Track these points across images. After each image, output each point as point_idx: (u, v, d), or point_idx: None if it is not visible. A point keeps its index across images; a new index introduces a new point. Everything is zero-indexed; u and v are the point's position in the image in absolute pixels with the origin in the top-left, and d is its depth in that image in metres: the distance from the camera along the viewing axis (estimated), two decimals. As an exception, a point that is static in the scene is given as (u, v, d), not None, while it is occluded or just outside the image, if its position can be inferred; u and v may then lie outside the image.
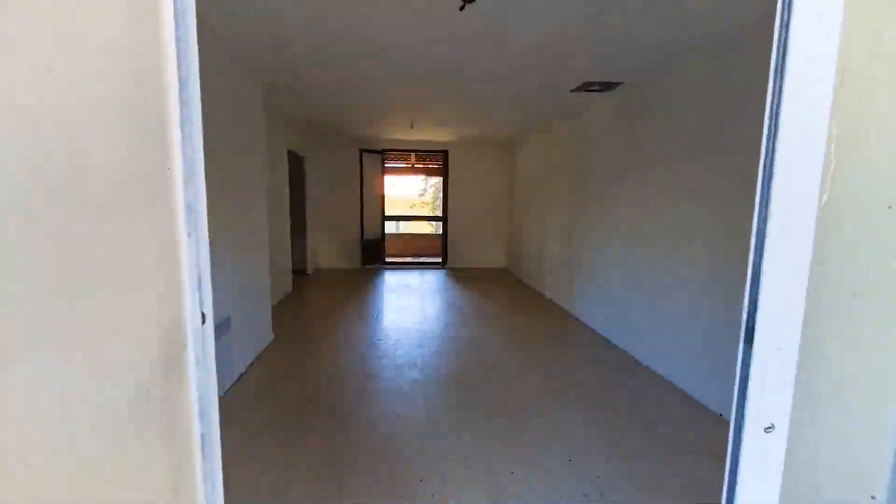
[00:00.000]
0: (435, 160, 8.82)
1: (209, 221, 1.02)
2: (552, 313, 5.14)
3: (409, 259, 9.06)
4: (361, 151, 7.54)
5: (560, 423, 2.62)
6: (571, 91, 3.91)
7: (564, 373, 3.36)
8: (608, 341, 4.11)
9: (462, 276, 7.57)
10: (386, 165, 8.00)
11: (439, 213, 10.10)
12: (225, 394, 2.86)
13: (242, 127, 3.34)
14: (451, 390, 3.04)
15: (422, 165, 9.33)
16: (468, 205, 8.24)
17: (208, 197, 1.00)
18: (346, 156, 7.73)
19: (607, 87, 3.75)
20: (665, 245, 3.32)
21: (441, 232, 8.45)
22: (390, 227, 9.86)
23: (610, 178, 4.17)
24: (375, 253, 8.04)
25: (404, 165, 9.23)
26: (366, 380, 3.19)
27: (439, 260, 8.59)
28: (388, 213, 8.28)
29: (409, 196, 15.01)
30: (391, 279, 7.22)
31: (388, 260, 8.35)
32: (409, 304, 5.50)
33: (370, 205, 7.86)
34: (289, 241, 6.09)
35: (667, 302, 3.29)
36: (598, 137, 4.45)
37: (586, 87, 3.74)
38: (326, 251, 8.00)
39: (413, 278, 7.31)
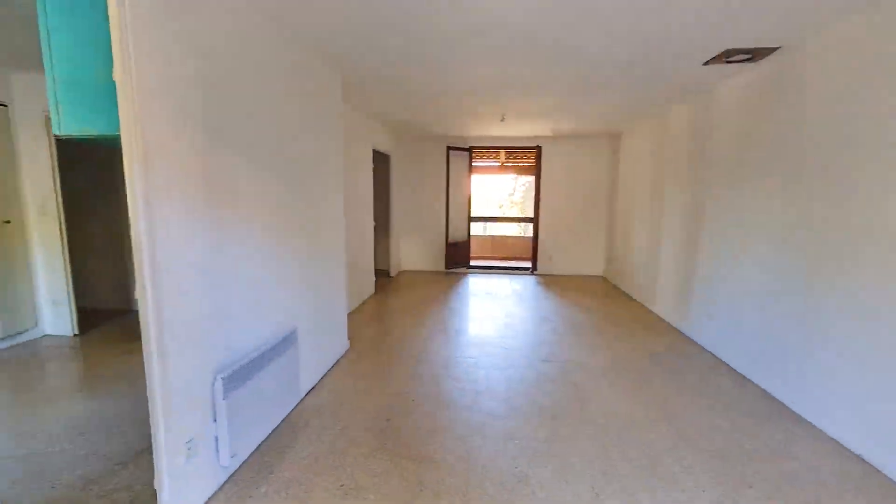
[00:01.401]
0: (526, 156, 8.22)
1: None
2: (663, 334, 4.30)
3: (495, 263, 8.56)
4: (448, 149, 7.23)
5: (691, 498, 1.95)
6: (704, 64, 3.12)
7: (686, 417, 2.63)
8: (744, 378, 3.23)
9: (553, 283, 6.89)
10: (474, 164, 7.58)
11: (529, 214, 9.48)
12: (289, 413, 2.64)
13: (319, 121, 3.13)
14: (538, 432, 2.51)
15: (511, 164, 8.78)
16: (562, 205, 7.51)
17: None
18: (432, 154, 7.48)
19: (755, 54, 2.90)
20: (841, 258, 2.43)
21: (531, 234, 7.82)
22: (476, 229, 9.45)
23: (750, 171, 3.28)
24: (460, 255, 7.68)
25: (493, 164, 8.76)
26: (438, 407, 2.78)
27: (528, 265, 7.97)
28: (474, 213, 7.87)
29: (497, 196, 14.50)
30: (476, 284, 6.80)
31: (473, 263, 7.94)
32: (494, 315, 5.02)
33: (456, 205, 7.52)
34: (372, 242, 5.97)
35: (843, 333, 2.40)
36: (731, 121, 3.56)
37: (726, 56, 2.93)
38: (410, 253, 7.83)
39: (499, 284, 6.81)
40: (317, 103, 3.09)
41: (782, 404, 2.84)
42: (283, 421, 2.55)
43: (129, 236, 1.56)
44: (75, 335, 3.99)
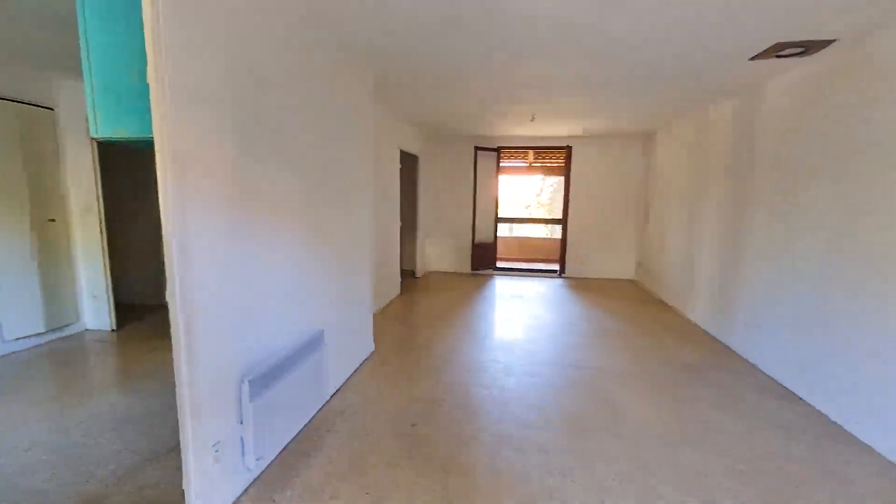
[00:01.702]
0: (555, 156, 8.05)
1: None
2: (701, 343, 4.10)
3: (522, 265, 8.42)
4: (476, 149, 7.15)
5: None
6: (751, 59, 2.94)
7: (729, 437, 2.47)
8: (792, 394, 3.03)
9: (582, 287, 6.71)
10: (501, 164, 7.48)
11: (557, 215, 9.28)
12: (314, 416, 2.63)
13: (349, 121, 3.11)
14: (569, 444, 2.40)
15: (540, 164, 8.62)
16: (592, 206, 7.31)
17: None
18: (460, 154, 7.42)
19: (809, 48, 2.71)
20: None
21: (559, 236, 7.65)
22: (502, 230, 9.32)
23: (801, 171, 3.07)
24: (487, 257, 7.59)
25: (520, 164, 8.63)
26: (466, 416, 2.71)
27: (555, 267, 7.80)
28: (501, 214, 7.76)
29: (523, 197, 14.32)
30: (502, 286, 6.69)
31: (499, 265, 7.84)
32: (521, 319, 4.92)
33: (483, 206, 7.43)
34: (398, 242, 5.96)
35: (909, 358, 2.20)
36: (779, 118, 3.35)
37: (777, 50, 2.75)
38: (437, 254, 7.79)
39: (526, 287, 6.68)
40: (347, 103, 3.08)
41: (837, 425, 2.64)
42: (308, 423, 2.54)
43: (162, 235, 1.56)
44: (113, 330, 4.13)
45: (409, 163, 6.54)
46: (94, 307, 4.12)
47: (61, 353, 3.62)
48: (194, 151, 1.63)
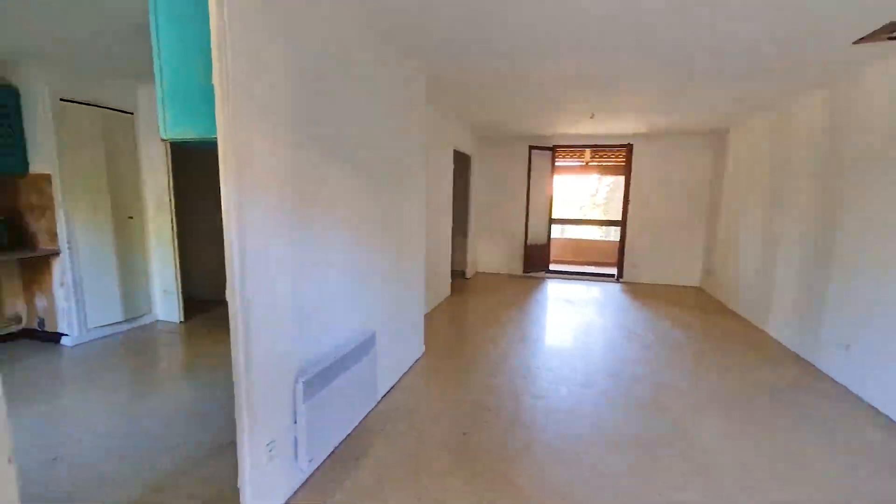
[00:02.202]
0: (615, 155, 7.67)
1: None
2: (782, 361, 3.70)
3: (575, 268, 8.11)
4: (531, 148, 6.95)
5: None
6: (855, 43, 2.58)
7: (824, 474, 2.17)
8: (897, 427, 2.64)
9: (642, 293, 6.33)
10: (556, 164, 7.23)
11: (613, 216, 8.86)
12: (364, 418, 2.61)
13: (403, 121, 3.08)
14: (631, 467, 2.22)
15: (596, 163, 8.26)
16: (654, 207, 6.89)
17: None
18: (513, 153, 7.25)
19: (930, 27, 2.33)
20: None
21: (615, 238, 7.28)
22: (554, 231, 9.04)
23: (916, 174, 2.66)
24: (539, 259, 7.37)
25: (575, 164, 8.31)
26: (517, 426, 2.59)
27: (612, 271, 7.43)
28: (555, 215, 7.51)
29: (578, 197, 13.81)
30: (555, 290, 6.46)
31: (552, 267, 7.58)
32: (576, 325, 4.70)
33: (536, 206, 7.22)
34: (450, 243, 5.90)
35: None
36: (883, 112, 2.93)
37: (889, 31, 2.39)
38: (488, 255, 7.67)
39: (580, 291, 6.41)
40: (401, 103, 3.05)
41: (957, 466, 2.25)
42: (358, 425, 2.53)
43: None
44: (181, 322, 4.38)
45: (461, 163, 6.47)
46: (164, 300, 4.39)
47: (135, 343, 3.88)
48: (253, 151, 1.63)
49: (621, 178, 7.15)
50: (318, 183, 2.08)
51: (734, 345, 4.12)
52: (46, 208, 3.58)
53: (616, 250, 7.74)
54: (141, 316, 4.27)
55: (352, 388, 2.34)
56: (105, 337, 3.92)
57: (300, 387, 1.92)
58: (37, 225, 3.64)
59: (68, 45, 2.96)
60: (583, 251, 9.10)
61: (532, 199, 7.16)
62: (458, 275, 6.97)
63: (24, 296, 3.82)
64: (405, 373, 3.30)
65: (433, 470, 2.15)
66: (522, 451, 2.33)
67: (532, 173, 7.06)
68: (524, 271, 7.39)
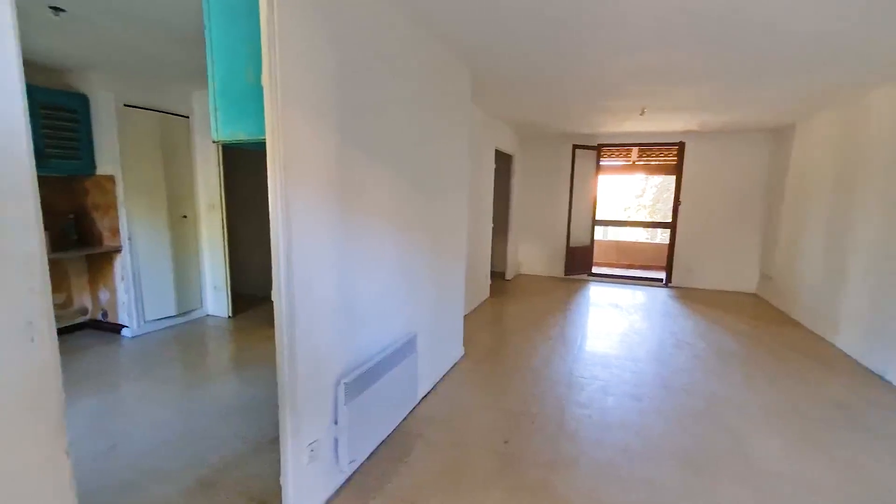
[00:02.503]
0: (663, 154, 7.32)
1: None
2: (852, 376, 3.37)
3: (620, 271, 7.81)
4: (574, 147, 6.75)
5: None
6: (954, 24, 2.29)
7: (910, 508, 1.94)
8: None
9: (693, 298, 5.99)
10: (601, 163, 6.98)
11: (660, 217, 8.45)
12: (403, 421, 2.59)
13: (447, 120, 3.04)
14: (683, 484, 2.06)
15: (643, 162, 7.91)
16: (706, 209, 6.51)
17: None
18: (556, 153, 7.06)
19: None
20: None
21: (661, 240, 6.94)
22: (597, 233, 8.76)
23: None
24: (582, 261, 7.15)
25: (620, 163, 7.99)
26: (562, 437, 2.48)
27: (660, 275, 7.09)
28: (598, 216, 7.26)
29: (623, 198, 13.31)
30: (599, 294, 6.23)
31: (595, 270, 7.33)
32: (622, 332, 4.49)
33: (579, 207, 7.00)
34: (489, 243, 5.82)
35: None
36: None
37: None
38: (528, 256, 7.52)
39: (625, 295, 6.15)
40: (446, 101, 3.01)
41: None
42: (396, 428, 2.51)
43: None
44: (229, 317, 4.55)
45: (502, 162, 6.37)
46: (214, 295, 4.57)
47: (188, 336, 4.05)
48: (300, 152, 1.63)
49: (670, 178, 6.81)
50: (363, 183, 2.07)
51: (796, 356, 3.80)
52: (110, 207, 3.81)
53: (664, 253, 7.39)
54: (193, 310, 4.47)
55: (392, 391, 2.32)
56: (160, 330, 4.12)
57: (342, 388, 1.91)
58: (102, 223, 3.88)
59: (132, 54, 3.12)
60: (627, 254, 8.75)
61: (575, 199, 6.94)
62: (497, 276, 6.87)
63: (89, 289, 4.08)
64: (444, 375, 3.26)
65: (475, 479, 2.09)
66: (569, 463, 2.23)
67: (575, 173, 6.85)
68: (566, 273, 7.18)
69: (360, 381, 2.02)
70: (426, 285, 2.88)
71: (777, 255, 5.73)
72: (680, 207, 6.57)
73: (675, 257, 6.70)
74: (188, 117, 4.27)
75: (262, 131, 1.51)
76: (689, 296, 6.17)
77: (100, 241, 3.91)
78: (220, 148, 4.30)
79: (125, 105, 3.74)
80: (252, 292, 5.36)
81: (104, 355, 3.54)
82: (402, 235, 2.50)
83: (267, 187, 1.54)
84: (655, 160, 7.80)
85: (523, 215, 7.36)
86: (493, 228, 6.01)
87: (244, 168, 5.07)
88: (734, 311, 5.35)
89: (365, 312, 2.16)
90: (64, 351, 0.96)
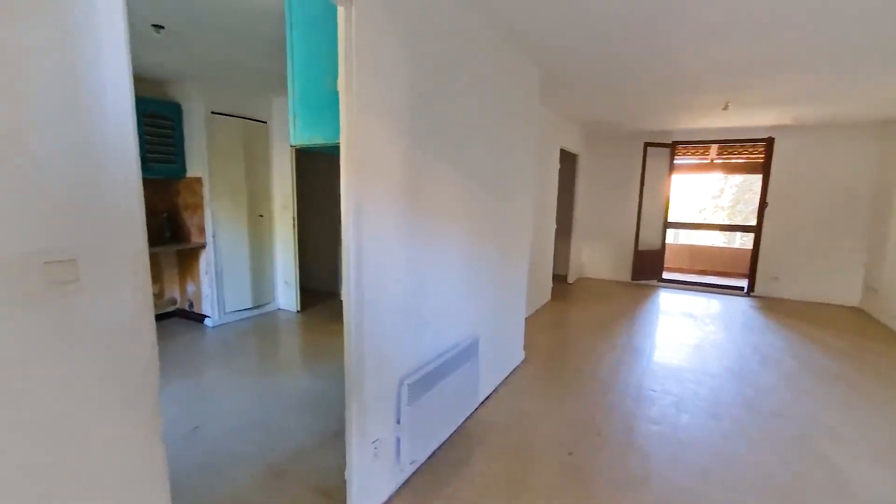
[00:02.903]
0: (746, 151, 6.72)
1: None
2: None
3: (693, 278, 7.28)
4: (646, 146, 6.38)
5: None
6: None
7: None
8: None
9: (780, 310, 5.43)
10: (675, 162, 6.54)
11: (740, 220, 7.75)
12: (462, 424, 2.57)
13: (515, 119, 2.98)
14: (780, 522, 1.86)
15: (722, 160, 7.31)
16: (798, 211, 5.87)
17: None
18: (626, 151, 6.71)
19: None
20: None
21: (741, 245, 6.36)
22: (669, 236, 8.23)
23: None
24: (651, 266, 6.74)
25: (699, 161, 7.44)
26: (631, 453, 2.34)
27: (740, 284, 6.52)
28: (671, 218, 6.81)
29: (697, 199, 12.40)
30: (670, 301, 5.85)
31: (665, 276, 6.89)
32: (696, 343, 4.17)
33: (650, 208, 6.61)
34: (552, 245, 5.66)
35: None
36: None
37: None
38: (592, 259, 7.22)
39: (700, 304, 5.71)
40: (514, 101, 2.95)
41: None
42: (456, 431, 2.49)
43: (341, 231, 1.63)
44: (298, 311, 4.79)
45: (567, 161, 6.16)
46: (285, 290, 4.84)
47: (261, 328, 4.32)
48: (372, 155, 1.66)
49: (754, 177, 6.23)
50: (430, 183, 2.08)
51: (915, 384, 3.31)
52: (198, 207, 4.15)
53: (744, 259, 6.78)
54: (266, 304, 4.76)
55: (454, 393, 2.31)
56: (237, 321, 4.43)
57: (405, 389, 1.93)
58: (190, 221, 4.24)
59: (220, 65, 3.37)
60: (702, 259, 8.13)
61: (645, 200, 6.56)
62: (559, 279, 6.66)
63: (178, 281, 4.48)
64: (505, 379, 3.21)
65: (537, 490, 2.03)
66: (639, 482, 2.10)
67: (647, 173, 6.48)
68: (633, 278, 6.81)
69: (423, 382, 2.03)
70: (489, 287, 2.85)
71: (886, 265, 5.04)
72: (766, 209, 5.99)
73: (758, 264, 6.11)
74: (267, 123, 4.55)
75: (337, 136, 1.55)
76: (774, 307, 5.60)
77: (188, 238, 4.28)
78: (294, 151, 4.53)
79: (212, 112, 4.05)
80: (318, 288, 5.62)
81: (189, 343, 3.87)
82: (467, 236, 2.48)
83: (334, 188, 1.59)
84: (737, 158, 7.18)
85: (588, 216, 7.08)
86: (556, 230, 5.84)
87: (313, 170, 5.32)
88: (831, 327, 4.78)
89: (429, 314, 2.17)
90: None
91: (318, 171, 5.36)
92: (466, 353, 2.41)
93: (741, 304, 5.78)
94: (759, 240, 6.06)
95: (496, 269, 2.93)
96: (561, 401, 2.92)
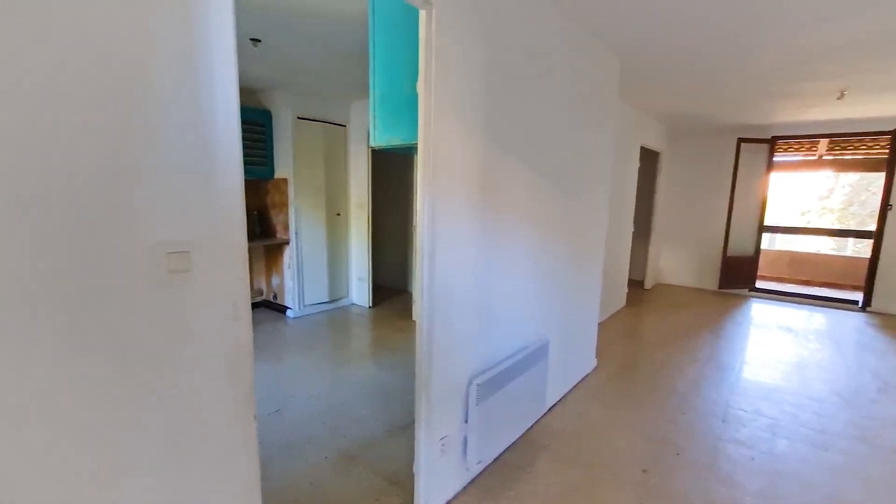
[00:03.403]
0: (868, 146, 5.89)
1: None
2: None
3: (793, 288, 6.52)
4: (740, 142, 5.83)
5: None
6: None
7: None
8: None
9: (904, 330, 4.69)
10: (774, 159, 5.90)
11: (854, 224, 6.80)
12: (528, 429, 2.52)
13: (591, 116, 2.86)
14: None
15: (832, 157, 6.45)
16: (932, 216, 5.03)
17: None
18: (716, 148, 6.18)
19: None
20: None
21: (854, 253, 5.56)
22: (765, 241, 7.46)
23: None
24: (743, 273, 6.15)
25: (804, 158, 6.64)
26: (715, 479, 2.14)
27: (854, 297, 5.72)
28: (768, 222, 6.15)
29: (799, 200, 11.07)
30: (764, 314, 5.29)
31: (759, 285, 6.24)
32: (796, 362, 3.73)
33: (742, 210, 6.03)
34: (629, 248, 5.37)
35: None
36: None
37: None
38: (673, 264, 6.74)
39: (801, 318, 5.10)
40: (592, 96, 2.83)
41: None
42: (522, 436, 2.45)
43: (411, 230, 1.68)
44: (370, 307, 4.99)
45: (647, 159, 5.81)
46: (358, 286, 5.06)
47: (336, 321, 4.56)
48: (447, 155, 1.68)
49: (873, 175, 5.43)
50: (504, 183, 2.06)
51: None
52: (283, 205, 4.48)
53: (859, 269, 5.95)
54: (340, 299, 5.01)
55: (522, 396, 2.27)
56: (315, 314, 4.71)
57: (474, 388, 1.93)
58: (277, 219, 4.59)
59: (306, 73, 3.61)
60: (804, 267, 7.25)
61: (737, 201, 5.99)
62: (635, 284, 6.30)
63: (265, 274, 4.87)
64: (574, 386, 3.10)
65: (608, 505, 1.93)
66: (723, 512, 1.92)
67: (740, 171, 5.91)
68: (720, 286, 6.25)
69: (492, 382, 2.02)
70: (560, 289, 2.76)
71: None
72: (890, 212, 5.20)
73: (878, 275, 5.33)
74: (345, 126, 4.79)
75: (415, 136, 1.59)
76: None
77: (274, 234, 4.63)
78: (370, 152, 4.73)
79: (298, 117, 4.35)
80: (388, 284, 5.81)
81: (273, 331, 4.18)
82: (539, 236, 2.43)
83: (405, 188, 1.63)
84: (852, 154, 6.31)
85: (669, 218, 6.62)
86: (633, 232, 5.52)
87: (385, 170, 5.51)
88: (974, 353, 4.03)
89: (499, 314, 2.15)
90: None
91: (389, 170, 5.54)
92: (536, 356, 2.36)
93: (854, 319, 5.07)
94: (880, 247, 5.28)
95: (568, 270, 2.83)
96: (635, 413, 2.76)
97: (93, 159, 0.83)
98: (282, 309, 4.68)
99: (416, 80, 1.56)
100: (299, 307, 4.58)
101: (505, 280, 2.17)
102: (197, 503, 1.07)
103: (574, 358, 3.09)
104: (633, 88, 3.99)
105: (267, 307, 4.87)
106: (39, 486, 0.83)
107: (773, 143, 5.80)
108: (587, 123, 2.83)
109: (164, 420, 0.98)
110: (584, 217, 2.97)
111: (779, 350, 4.01)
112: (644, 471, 2.18)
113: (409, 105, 1.61)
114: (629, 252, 5.41)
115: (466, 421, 1.98)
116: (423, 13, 1.50)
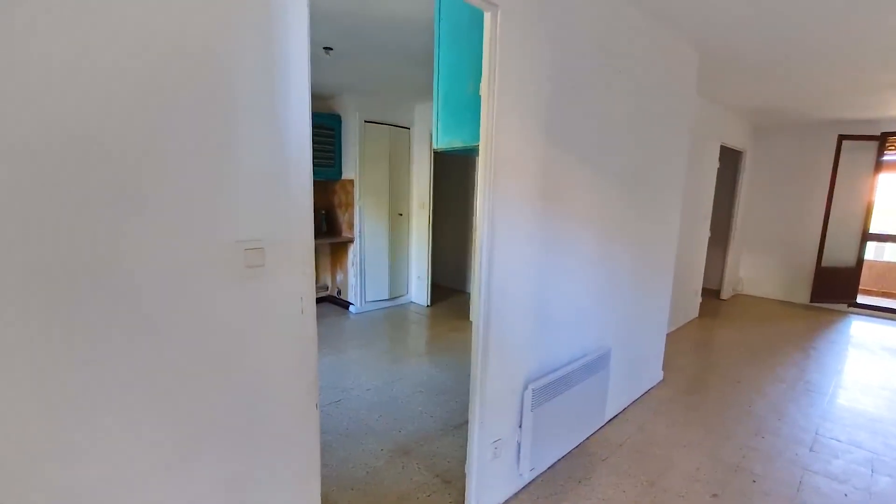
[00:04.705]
0: None
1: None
2: None
3: (905, 305, 5.71)
4: (840, 139, 5.21)
5: None
6: None
7: None
8: None
9: None
10: (883, 158, 5.21)
11: None
12: (586, 440, 2.43)
13: (665, 114, 2.70)
14: None
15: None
16: None
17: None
18: (810, 146, 5.57)
19: None
20: None
21: None
22: (869, 251, 6.60)
23: None
24: (840, 286, 5.49)
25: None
26: (802, 511, 1.94)
27: (984, 319, 4.90)
28: (873, 229, 5.44)
29: (894, 203, 9.64)
30: (865, 332, 4.69)
31: (861, 301, 5.54)
32: (906, 390, 3.27)
33: (841, 216, 5.38)
34: (704, 255, 5.00)
35: None
36: None
37: None
38: (755, 273, 6.17)
39: (914, 341, 4.46)
40: (665, 91, 2.66)
41: None
42: (579, 446, 2.37)
43: (470, 231, 1.69)
44: (427, 305, 5.08)
45: (728, 159, 5.37)
46: (417, 285, 5.17)
47: (395, 318, 4.69)
48: (509, 157, 1.67)
49: None
50: (566, 186, 2.01)
51: None
52: (349, 205, 4.68)
53: None
54: (400, 296, 5.15)
55: (579, 405, 2.20)
56: (376, 310, 4.88)
57: (529, 393, 1.90)
58: (343, 218, 4.81)
59: (375, 78, 3.75)
60: (920, 282, 6.33)
61: (835, 205, 5.36)
62: (710, 294, 5.85)
63: (330, 270, 5.12)
64: (637, 399, 2.94)
65: (670, 528, 1.82)
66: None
67: (839, 171, 5.28)
68: (812, 300, 5.63)
69: (548, 388, 1.97)
70: (625, 297, 2.64)
71: None
72: None
73: None
74: (409, 128, 4.92)
75: (477, 138, 1.60)
76: None
77: (339, 233, 4.86)
78: (432, 154, 4.81)
79: (365, 121, 4.53)
80: (446, 284, 5.87)
81: (336, 325, 4.39)
82: (603, 241, 2.34)
83: (464, 189, 1.64)
84: None
85: (752, 224, 6.07)
86: (710, 238, 5.13)
87: (445, 172, 5.57)
88: None
89: (558, 320, 2.10)
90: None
91: (451, 172, 5.60)
92: (596, 365, 2.28)
93: (983, 346, 4.34)
94: None
95: (634, 277, 2.70)
96: (704, 432, 2.56)
97: (195, 161, 0.94)
98: (345, 304, 4.90)
99: (479, 83, 1.57)
100: (361, 303, 4.77)
101: (565, 286, 2.11)
102: (264, 478, 1.15)
103: (638, 369, 2.94)
104: (714, 82, 3.70)
105: (331, 302, 5.12)
106: (133, 454, 0.94)
107: (883, 140, 5.11)
108: (660, 123, 2.67)
109: (240, 402, 1.08)
110: (653, 221, 2.81)
111: (883, 375, 3.54)
112: (714, 495, 2.03)
113: (472, 108, 1.62)
114: (704, 260, 5.04)
115: (521, 426, 1.95)
116: (487, 15, 1.51)
